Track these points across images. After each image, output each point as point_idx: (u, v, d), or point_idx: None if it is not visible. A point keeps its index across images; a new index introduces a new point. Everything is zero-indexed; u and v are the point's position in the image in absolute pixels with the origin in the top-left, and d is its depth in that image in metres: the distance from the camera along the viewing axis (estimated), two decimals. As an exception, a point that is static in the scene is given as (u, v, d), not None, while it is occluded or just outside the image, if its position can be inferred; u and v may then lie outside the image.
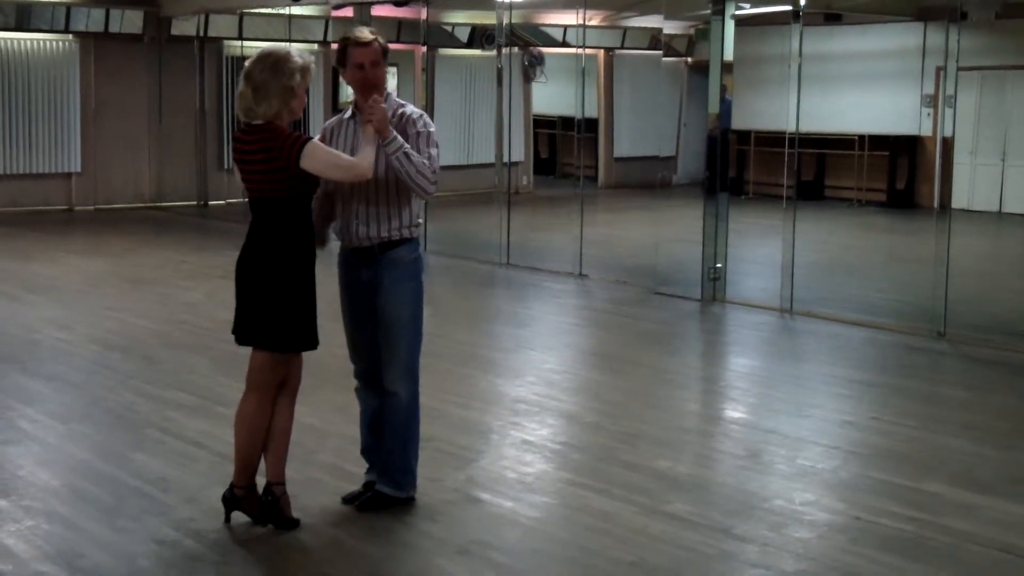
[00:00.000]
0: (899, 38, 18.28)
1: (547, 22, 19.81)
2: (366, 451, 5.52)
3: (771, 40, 17.37)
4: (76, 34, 16.94)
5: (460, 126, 19.65)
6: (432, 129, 5.23)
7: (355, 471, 5.85)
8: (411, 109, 5.27)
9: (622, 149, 21.55)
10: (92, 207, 17.26)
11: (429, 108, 18.23)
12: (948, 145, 17.27)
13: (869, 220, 17.63)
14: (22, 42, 16.57)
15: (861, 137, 18.57)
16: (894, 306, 10.81)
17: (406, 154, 5.02)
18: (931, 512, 5.46)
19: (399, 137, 5.04)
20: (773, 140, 17.34)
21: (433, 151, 5.18)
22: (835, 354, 8.90)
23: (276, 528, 5.09)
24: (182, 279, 11.20)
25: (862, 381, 8.11)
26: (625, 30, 20.99)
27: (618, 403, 7.41)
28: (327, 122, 5.42)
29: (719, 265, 10.80)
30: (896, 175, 18.69)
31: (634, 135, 21.42)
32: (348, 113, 5.31)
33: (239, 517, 5.16)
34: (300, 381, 5.27)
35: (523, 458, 6.20)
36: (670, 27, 20.10)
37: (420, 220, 5.35)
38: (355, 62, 5.16)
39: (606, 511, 5.40)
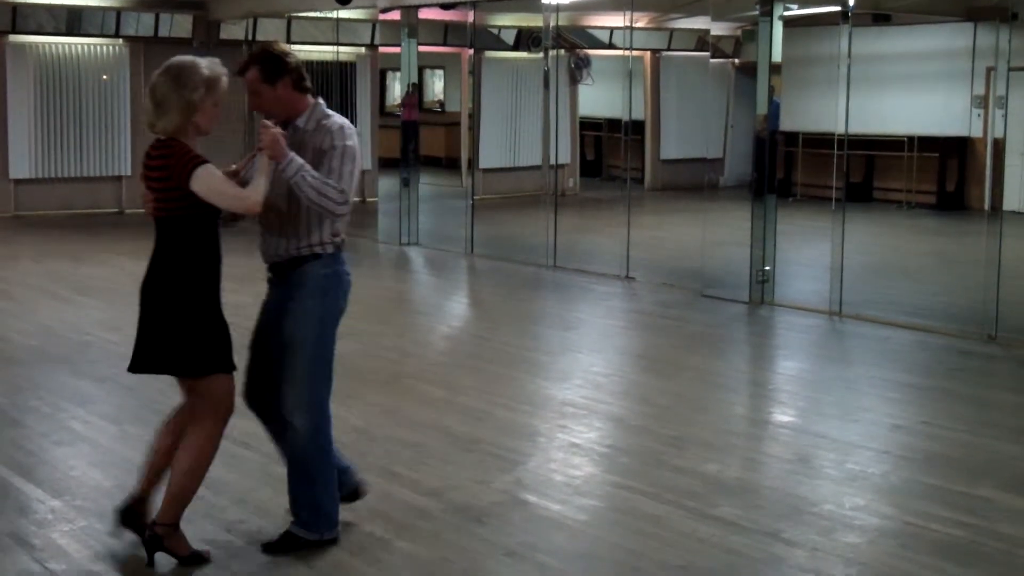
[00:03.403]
0: (949, 38, 18.09)
1: (593, 24, 19.78)
2: None
3: (819, 41, 17.25)
4: (126, 38, 17.11)
5: (507, 128, 19.64)
6: (349, 143, 4.86)
7: (404, 473, 5.89)
8: (333, 121, 4.92)
9: (669, 151, 21.48)
10: (142, 210, 17.41)
11: (476, 111, 18.28)
12: (999, 146, 17.07)
13: (918, 222, 17.47)
14: (73, 47, 16.76)
15: (910, 138, 18.39)
16: (944, 309, 10.71)
17: (303, 177, 4.70)
18: (983, 517, 5.40)
19: (295, 160, 4.73)
20: (821, 142, 17.21)
21: (347, 167, 4.81)
22: (884, 357, 8.82)
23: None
24: (230, 282, 11.16)
25: (912, 385, 8.05)
26: (672, 32, 20.93)
27: (666, 406, 7.39)
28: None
29: (767, 268, 10.74)
30: (946, 177, 18.49)
31: (681, 137, 21.33)
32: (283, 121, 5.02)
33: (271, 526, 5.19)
34: (213, 414, 4.85)
35: (571, 461, 6.19)
36: (717, 28, 19.99)
37: (340, 237, 4.95)
38: None
39: (654, 515, 5.38)
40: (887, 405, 7.45)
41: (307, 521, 4.98)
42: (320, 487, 4.97)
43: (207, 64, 4.74)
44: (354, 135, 4.93)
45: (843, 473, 6.02)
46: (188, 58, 4.76)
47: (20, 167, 16.46)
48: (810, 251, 13.23)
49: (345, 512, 5.27)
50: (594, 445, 6.52)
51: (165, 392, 7.42)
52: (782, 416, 7.33)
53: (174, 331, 4.73)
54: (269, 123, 4.76)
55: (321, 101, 5.02)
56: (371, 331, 9.66)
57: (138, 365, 4.87)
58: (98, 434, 6.60)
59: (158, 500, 4.88)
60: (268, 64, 4.88)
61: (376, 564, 4.80)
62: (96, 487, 5.59)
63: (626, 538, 5.15)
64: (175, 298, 4.75)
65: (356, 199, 17.56)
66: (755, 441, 6.79)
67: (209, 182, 4.64)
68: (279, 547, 4.95)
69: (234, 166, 5.09)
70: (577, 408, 7.22)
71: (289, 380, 4.91)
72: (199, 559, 4.82)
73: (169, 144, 4.69)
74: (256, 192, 4.70)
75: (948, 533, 5.21)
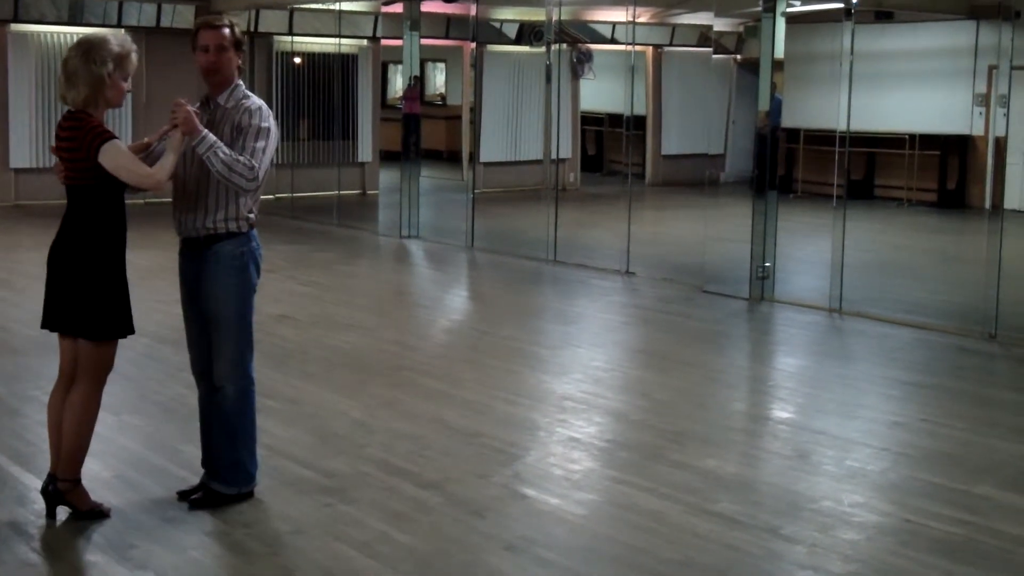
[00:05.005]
0: (951, 36, 18.09)
1: (596, 19, 19.76)
2: (202, 449, 5.47)
3: (822, 38, 17.25)
4: (128, 28, 17.07)
5: (508, 122, 19.64)
6: (264, 124, 5.11)
7: (404, 465, 5.89)
8: (252, 101, 5.19)
9: (670, 146, 21.46)
10: (142, 201, 17.39)
11: (477, 104, 18.27)
12: (1000, 145, 17.07)
13: (919, 220, 17.47)
14: (74, 36, 16.67)
15: (912, 136, 18.38)
16: (945, 307, 10.71)
17: (215, 152, 4.95)
18: (982, 515, 5.40)
19: (208, 137, 4.96)
20: (823, 139, 17.21)
21: (259, 145, 5.06)
22: (884, 355, 8.82)
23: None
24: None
25: (912, 382, 8.05)
26: (674, 27, 20.92)
27: (665, 402, 7.39)
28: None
29: (767, 264, 10.74)
30: (947, 175, 18.49)
31: (682, 132, 21.32)
32: (202, 99, 5.26)
33: (283, 512, 5.18)
34: (96, 375, 5.11)
35: (570, 455, 6.19)
36: (720, 24, 20.00)
37: (252, 215, 5.21)
38: (200, 44, 5.16)
39: (653, 510, 5.38)
40: (887, 402, 7.45)
41: (227, 478, 5.32)
42: (242, 445, 5.32)
43: (118, 40, 4.98)
44: (271, 117, 5.20)
45: (842, 470, 6.02)
46: (100, 34, 5.04)
47: (21, 156, 16.45)
48: (811, 248, 13.24)
49: (345, 504, 5.28)
50: (593, 440, 6.52)
51: (164, 383, 7.45)
52: (781, 412, 7.33)
53: (79, 296, 4.97)
54: (183, 100, 5.00)
55: (241, 83, 5.29)
56: (371, 324, 9.66)
57: (48, 323, 5.12)
58: (98, 425, 6.55)
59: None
60: (237, 35, 5.26)
61: (376, 556, 4.80)
62: (95, 477, 5.57)
63: (625, 533, 5.14)
64: (81, 264, 4.97)
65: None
66: (754, 437, 6.79)
67: (115, 157, 4.87)
68: (202, 503, 5.28)
69: (147, 138, 5.37)
70: (576, 402, 7.22)
71: (217, 353, 5.25)
72: (99, 514, 5.09)
73: (79, 117, 4.93)
74: (161, 170, 4.96)
75: (947, 531, 5.21)
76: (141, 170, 4.94)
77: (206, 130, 5.00)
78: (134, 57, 5.01)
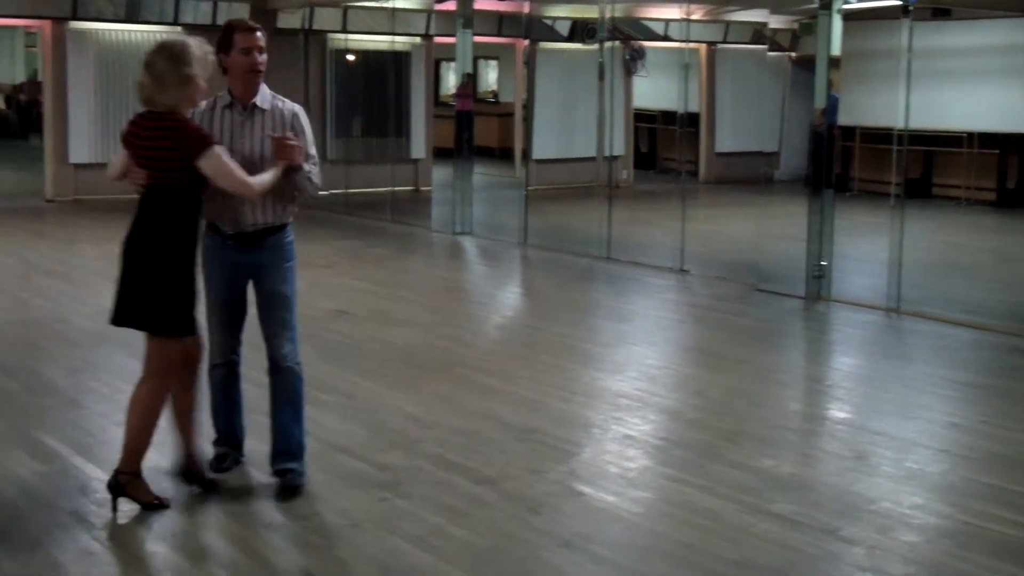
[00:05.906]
0: (1010, 34, 17.84)
1: (649, 16, 19.69)
2: (226, 431, 5.69)
3: (879, 35, 17.07)
4: (184, 26, 17.17)
5: (561, 120, 19.58)
6: (309, 129, 5.47)
7: (459, 461, 5.90)
8: (287, 102, 5.45)
9: (723, 144, 21.34)
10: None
11: (530, 102, 18.26)
12: (1061, 144, 16.85)
13: (978, 219, 17.26)
14: (131, 34, 16.89)
15: (970, 134, 18.16)
16: (1004, 307, 10.57)
17: (309, 179, 5.33)
18: (1043, 518, 5.34)
19: (305, 167, 5.30)
20: (880, 136, 17.05)
21: (313, 151, 5.43)
22: (943, 355, 8.73)
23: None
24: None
25: (970, 383, 7.96)
26: (728, 24, 20.80)
27: (720, 400, 7.35)
28: (196, 109, 5.33)
29: (823, 262, 10.63)
30: (1006, 174, 18.26)
31: (736, 130, 21.20)
32: (226, 101, 5.36)
33: (326, 503, 5.20)
34: (165, 371, 5.24)
35: (625, 453, 6.17)
36: (774, 21, 19.87)
37: (296, 208, 5.53)
38: (243, 46, 5.29)
39: (709, 508, 5.36)
40: (945, 403, 7.37)
41: (301, 461, 5.50)
42: (302, 426, 5.56)
43: (197, 43, 5.15)
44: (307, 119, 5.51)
45: (901, 471, 5.97)
46: (180, 37, 5.26)
47: (80, 152, 16.61)
48: (867, 246, 13.11)
49: (400, 498, 5.30)
50: (648, 437, 6.50)
51: (222, 377, 7.48)
52: (839, 412, 7.27)
53: (151, 292, 5.06)
54: (288, 136, 5.25)
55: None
56: (426, 320, 9.69)
57: (119, 319, 5.17)
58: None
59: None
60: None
61: (431, 551, 4.81)
62: (154, 467, 5.61)
63: (681, 531, 5.12)
64: (160, 261, 5.06)
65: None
66: (811, 437, 6.74)
67: (218, 164, 5.02)
68: (287, 494, 5.37)
69: None
70: (631, 400, 7.20)
71: (283, 331, 5.42)
72: (159, 505, 5.16)
73: (172, 118, 5.04)
74: (259, 184, 5.14)
75: (1007, 533, 5.15)
76: (243, 178, 5.08)
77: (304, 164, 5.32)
78: (211, 58, 5.19)
